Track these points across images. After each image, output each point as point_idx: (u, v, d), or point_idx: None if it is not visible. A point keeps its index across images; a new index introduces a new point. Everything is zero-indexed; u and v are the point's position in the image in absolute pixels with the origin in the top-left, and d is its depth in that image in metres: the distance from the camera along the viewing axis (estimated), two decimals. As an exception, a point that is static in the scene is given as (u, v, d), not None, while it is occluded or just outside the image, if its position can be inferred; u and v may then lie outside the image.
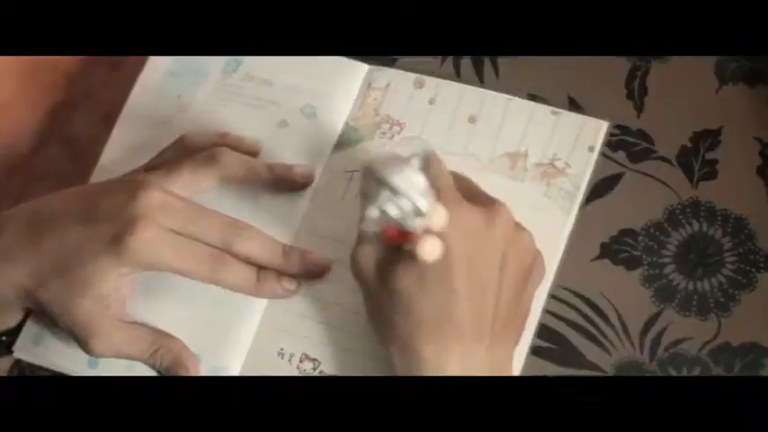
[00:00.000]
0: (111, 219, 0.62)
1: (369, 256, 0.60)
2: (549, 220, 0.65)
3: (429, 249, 0.57)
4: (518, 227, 0.61)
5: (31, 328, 0.67)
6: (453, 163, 0.66)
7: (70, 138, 0.76)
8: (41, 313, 0.65)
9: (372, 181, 0.54)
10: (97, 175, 0.71)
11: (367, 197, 0.55)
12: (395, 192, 0.54)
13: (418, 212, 0.54)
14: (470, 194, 0.61)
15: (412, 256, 0.57)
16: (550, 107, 0.68)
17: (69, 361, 0.66)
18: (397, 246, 0.58)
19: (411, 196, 0.54)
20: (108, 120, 0.72)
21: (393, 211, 0.54)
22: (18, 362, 0.69)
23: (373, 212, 0.54)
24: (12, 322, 0.68)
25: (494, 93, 0.69)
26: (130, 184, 0.64)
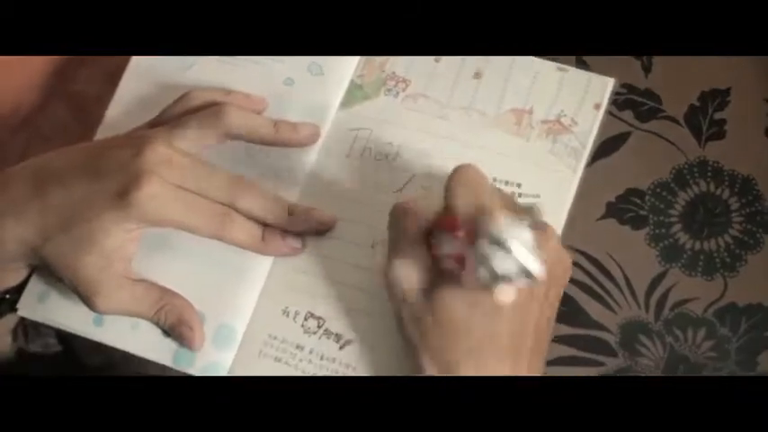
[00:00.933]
0: (116, 174, 0.62)
1: (410, 278, 0.59)
2: (555, 178, 0.64)
3: (507, 293, 0.56)
4: (563, 249, 0.60)
5: (35, 286, 0.67)
6: (458, 119, 0.66)
7: (75, 95, 0.76)
8: (46, 270, 0.64)
9: (489, 241, 0.55)
10: (102, 133, 0.70)
11: (482, 257, 0.55)
12: (509, 253, 0.55)
13: (528, 274, 0.55)
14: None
15: (456, 280, 0.57)
16: (556, 63, 0.67)
17: (74, 319, 0.66)
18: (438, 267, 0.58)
19: (525, 260, 0.55)
20: (113, 77, 0.72)
21: (502, 269, 0.55)
22: (22, 320, 0.69)
23: (484, 273, 0.55)
24: (16, 280, 0.67)
25: (500, 48, 0.68)
26: (136, 140, 0.63)
